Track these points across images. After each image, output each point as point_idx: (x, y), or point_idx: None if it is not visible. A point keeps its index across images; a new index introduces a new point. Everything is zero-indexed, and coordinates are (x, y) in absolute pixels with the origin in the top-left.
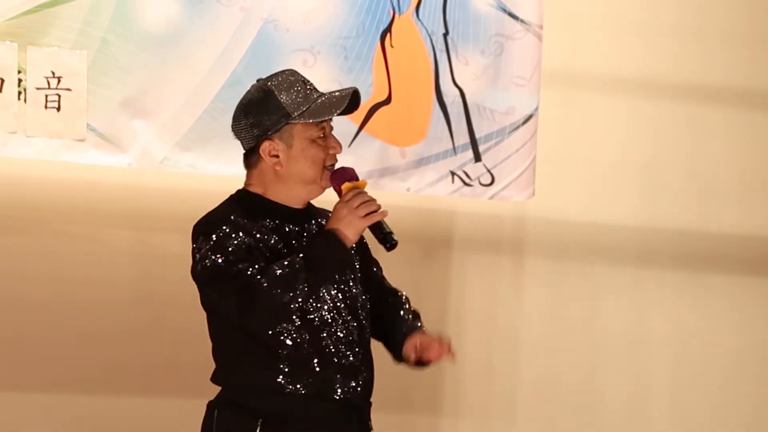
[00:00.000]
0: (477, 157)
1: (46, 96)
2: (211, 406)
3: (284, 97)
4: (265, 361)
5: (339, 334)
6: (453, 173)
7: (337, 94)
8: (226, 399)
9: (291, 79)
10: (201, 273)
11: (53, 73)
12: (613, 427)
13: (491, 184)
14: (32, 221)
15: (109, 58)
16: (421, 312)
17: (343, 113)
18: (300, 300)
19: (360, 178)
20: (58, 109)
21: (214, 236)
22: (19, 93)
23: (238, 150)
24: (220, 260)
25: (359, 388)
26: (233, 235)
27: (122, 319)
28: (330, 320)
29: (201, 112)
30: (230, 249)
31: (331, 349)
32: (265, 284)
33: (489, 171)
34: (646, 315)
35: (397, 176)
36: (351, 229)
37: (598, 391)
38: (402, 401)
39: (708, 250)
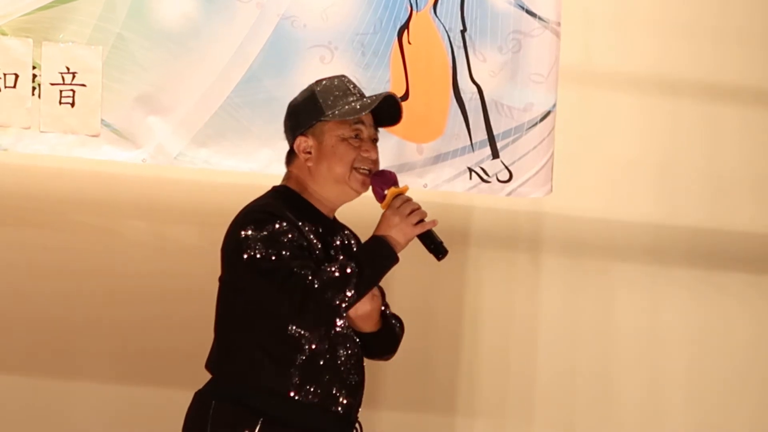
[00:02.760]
0: (495, 154)
1: (61, 91)
2: (204, 396)
3: (322, 97)
4: (278, 365)
5: (349, 351)
6: (470, 170)
7: (374, 97)
8: (226, 392)
9: (336, 82)
10: (250, 263)
11: (68, 69)
12: (629, 425)
13: (509, 180)
14: (48, 213)
15: (125, 54)
16: (437, 308)
17: (386, 123)
18: (348, 303)
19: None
20: (73, 104)
21: (270, 228)
22: (34, 88)
23: (253, 146)
24: (274, 256)
25: (355, 404)
26: (288, 233)
27: (138, 310)
28: (343, 336)
29: (217, 108)
30: (286, 245)
31: (341, 365)
32: (317, 286)
33: (507, 167)
34: (661, 312)
35: (415, 172)
36: (402, 236)
37: (614, 388)
38: (417, 400)
39: (722, 248)
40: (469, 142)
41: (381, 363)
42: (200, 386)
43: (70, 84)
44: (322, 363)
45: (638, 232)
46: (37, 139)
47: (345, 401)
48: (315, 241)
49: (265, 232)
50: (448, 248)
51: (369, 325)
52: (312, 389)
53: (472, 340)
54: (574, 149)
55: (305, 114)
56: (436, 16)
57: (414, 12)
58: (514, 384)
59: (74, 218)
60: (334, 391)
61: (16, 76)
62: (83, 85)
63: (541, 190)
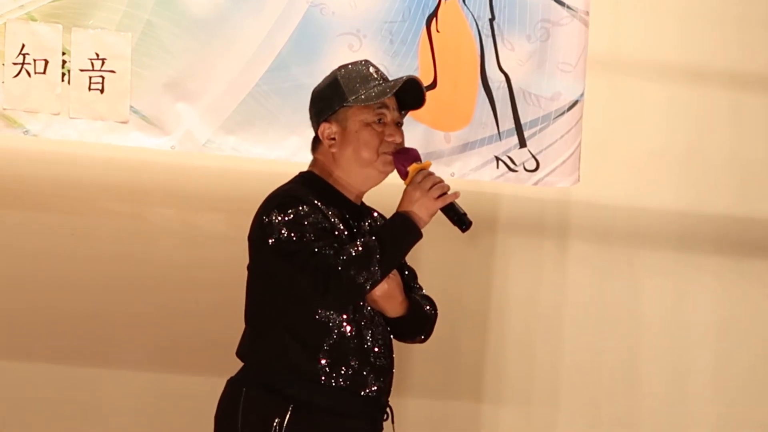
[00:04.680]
0: (522, 143)
1: (90, 78)
2: (235, 383)
3: (345, 83)
4: (307, 349)
5: (377, 334)
6: (498, 158)
7: (396, 81)
8: (257, 379)
9: (359, 67)
10: (275, 246)
11: (97, 55)
12: (655, 412)
13: (536, 169)
14: (77, 200)
15: (154, 41)
16: (464, 296)
17: (411, 107)
18: (373, 280)
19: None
20: (102, 91)
21: (292, 212)
22: (63, 74)
23: (281, 133)
24: (298, 239)
25: (386, 389)
26: (311, 215)
27: (165, 297)
28: (370, 318)
29: (245, 95)
30: (308, 227)
31: (369, 348)
32: (341, 265)
33: (534, 156)
34: (688, 300)
35: (442, 161)
36: (425, 211)
37: (640, 375)
38: (443, 388)
39: (749, 236)
40: (496, 131)
41: (407, 350)
42: (231, 374)
43: (100, 70)
44: (350, 346)
45: (665, 220)
46: (66, 125)
47: (374, 385)
48: (340, 225)
49: (288, 216)
50: (471, 219)
51: (393, 307)
52: (341, 373)
53: (499, 327)
54: (602, 138)
55: (328, 100)
56: (465, 5)
57: (442, 0)
58: (540, 371)
59: (103, 205)
60: (362, 375)
61: (46, 62)
62: (112, 72)
63: (568, 179)
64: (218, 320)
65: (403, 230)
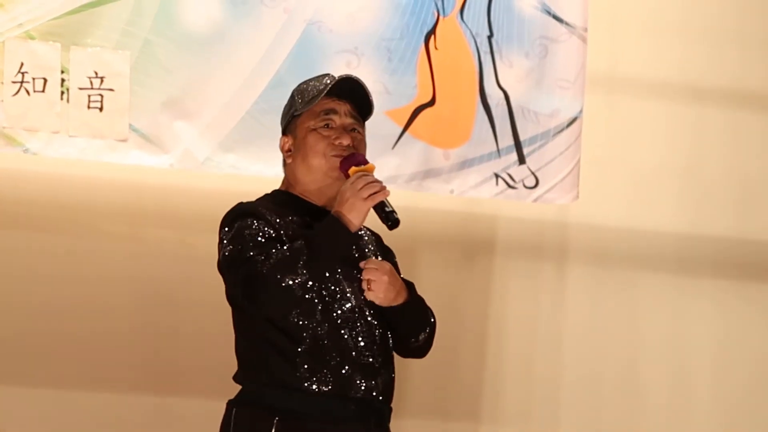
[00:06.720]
0: (521, 160)
1: (89, 96)
2: (229, 405)
3: (298, 95)
4: (283, 357)
5: (359, 332)
6: (497, 175)
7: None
8: (244, 397)
9: (315, 80)
10: (220, 264)
11: (96, 73)
12: None
13: (535, 186)
14: (75, 220)
15: (152, 59)
16: (463, 317)
17: (360, 106)
18: (302, 283)
19: (369, 163)
20: (101, 109)
21: (236, 225)
22: (62, 93)
23: (279, 151)
24: (236, 251)
25: (378, 389)
26: (254, 226)
27: (163, 318)
28: (350, 318)
29: (243, 113)
30: (247, 238)
31: (350, 347)
32: (266, 269)
33: (533, 173)
34: (687, 322)
35: (441, 178)
36: (354, 211)
37: (639, 398)
38: (441, 408)
39: (748, 258)
40: (495, 148)
41: (405, 371)
42: (231, 396)
43: (98, 88)
44: (326, 347)
45: (663, 240)
46: (66, 144)
47: (362, 386)
48: (298, 232)
49: (232, 231)
50: (399, 218)
51: (389, 293)
52: (322, 376)
53: (498, 349)
54: (601, 156)
55: (284, 115)
56: (463, 22)
57: (441, 17)
58: (539, 393)
59: (101, 225)
60: (348, 375)
61: (45, 80)
62: (111, 90)
63: (567, 196)
64: (217, 342)
65: (329, 231)
